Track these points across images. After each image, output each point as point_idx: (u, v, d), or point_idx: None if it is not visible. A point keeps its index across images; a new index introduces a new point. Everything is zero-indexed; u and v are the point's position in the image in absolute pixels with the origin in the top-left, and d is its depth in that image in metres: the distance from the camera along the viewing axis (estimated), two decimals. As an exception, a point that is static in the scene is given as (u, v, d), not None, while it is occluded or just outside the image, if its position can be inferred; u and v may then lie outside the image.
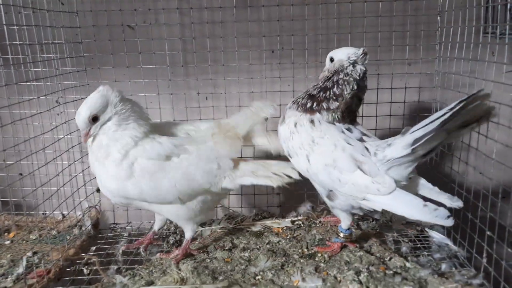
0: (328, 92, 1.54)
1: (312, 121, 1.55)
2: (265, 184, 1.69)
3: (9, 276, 1.56)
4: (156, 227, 1.83)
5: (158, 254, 1.69)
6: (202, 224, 2.03)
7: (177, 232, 1.96)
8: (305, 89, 2.04)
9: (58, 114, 2.01)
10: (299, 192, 2.12)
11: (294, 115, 1.60)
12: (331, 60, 1.59)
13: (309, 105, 1.57)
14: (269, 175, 1.68)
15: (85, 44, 2.08)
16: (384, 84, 2.06)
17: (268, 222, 1.97)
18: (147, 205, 1.62)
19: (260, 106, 1.74)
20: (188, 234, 1.69)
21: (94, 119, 1.50)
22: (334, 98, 1.53)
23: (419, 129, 1.33)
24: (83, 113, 1.48)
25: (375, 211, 1.53)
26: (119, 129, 1.52)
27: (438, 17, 1.97)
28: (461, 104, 1.21)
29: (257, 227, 1.94)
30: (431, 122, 1.29)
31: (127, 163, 1.52)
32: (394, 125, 2.09)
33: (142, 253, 1.77)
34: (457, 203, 1.38)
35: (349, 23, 1.99)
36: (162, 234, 1.98)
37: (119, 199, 1.60)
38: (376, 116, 2.06)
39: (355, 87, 1.51)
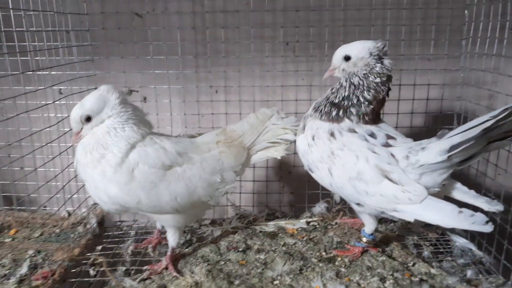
0: (356, 99, 1.42)
1: (332, 134, 1.43)
2: (269, 157, 1.65)
3: (11, 277, 1.47)
4: (159, 225, 1.74)
5: (147, 271, 1.51)
6: (213, 224, 1.94)
7: (186, 231, 1.87)
8: (321, 84, 2.00)
9: (60, 106, 1.91)
10: (313, 191, 2.04)
11: (312, 127, 1.48)
12: (347, 58, 1.43)
13: (334, 113, 1.45)
14: (267, 147, 1.63)
15: (92, 32, 1.97)
16: (405, 80, 1.97)
17: (282, 223, 1.89)
18: (141, 212, 1.51)
19: (267, 113, 1.66)
20: (173, 242, 1.55)
21: (88, 119, 1.39)
22: (366, 103, 1.42)
23: (457, 134, 1.23)
24: (74, 112, 1.39)
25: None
26: (113, 132, 1.39)
27: (466, 11, 1.87)
28: (507, 112, 1.12)
29: (270, 228, 1.85)
30: (471, 128, 1.19)
31: (126, 168, 1.38)
32: (416, 123, 2.01)
33: (150, 253, 1.69)
34: (496, 207, 1.29)
35: (370, 15, 1.90)
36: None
37: (113, 206, 1.44)
38: (398, 113, 1.97)
39: (389, 84, 1.41)
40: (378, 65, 1.40)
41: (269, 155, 1.66)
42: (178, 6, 1.95)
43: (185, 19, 1.98)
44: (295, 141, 1.59)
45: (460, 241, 1.75)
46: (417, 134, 1.96)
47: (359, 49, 1.41)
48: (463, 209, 1.27)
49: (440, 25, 1.92)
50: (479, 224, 1.25)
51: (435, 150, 1.27)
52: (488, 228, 1.25)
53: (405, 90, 1.97)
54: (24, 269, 1.50)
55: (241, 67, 2.00)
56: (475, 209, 1.30)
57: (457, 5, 1.89)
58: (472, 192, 1.35)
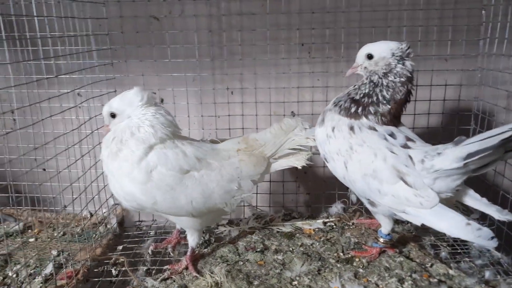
0: (375, 97, 1.43)
1: (352, 128, 1.44)
2: (290, 166, 1.65)
3: (37, 277, 1.52)
4: (178, 226, 1.76)
5: (168, 271, 1.53)
6: (230, 224, 1.97)
7: (204, 231, 1.90)
8: (336, 85, 2.01)
9: (81, 108, 1.93)
10: (330, 192, 2.05)
11: (333, 119, 1.50)
12: (370, 57, 1.45)
13: (353, 109, 1.46)
14: (287, 154, 1.65)
15: (111, 36, 2.00)
16: (422, 81, 1.96)
17: (299, 223, 1.90)
18: (157, 212, 1.55)
19: (292, 124, 1.64)
20: (192, 242, 1.58)
21: (112, 115, 1.48)
22: (384, 102, 1.43)
23: (474, 142, 1.23)
24: (104, 108, 1.50)
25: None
26: (128, 131, 1.43)
27: (483, 11, 1.86)
28: None
29: (287, 228, 1.87)
30: (489, 137, 1.19)
31: (145, 168, 1.40)
32: (432, 124, 2.00)
33: (170, 253, 1.72)
34: (507, 217, 1.29)
35: (386, 16, 1.90)
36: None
37: (128, 203, 1.47)
38: (414, 114, 1.97)
39: (409, 86, 1.42)
40: (399, 65, 1.41)
41: (290, 164, 1.66)
42: (194, 9, 1.97)
43: (202, 22, 2.00)
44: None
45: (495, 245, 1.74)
46: (434, 134, 1.96)
47: (382, 49, 1.43)
48: (472, 222, 1.28)
49: (456, 25, 1.91)
50: (485, 239, 1.26)
51: (451, 156, 1.27)
52: (493, 244, 1.26)
53: (421, 91, 1.96)
54: (49, 269, 1.55)
55: (257, 68, 2.02)
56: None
57: (474, 5, 1.88)
58: (484, 200, 1.35)
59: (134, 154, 1.41)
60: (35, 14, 1.38)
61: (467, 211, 1.47)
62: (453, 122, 2.00)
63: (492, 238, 1.26)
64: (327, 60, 1.99)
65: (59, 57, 1.67)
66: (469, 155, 1.23)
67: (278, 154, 1.65)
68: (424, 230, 1.85)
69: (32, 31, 1.55)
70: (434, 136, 1.92)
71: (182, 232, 1.78)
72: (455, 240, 1.78)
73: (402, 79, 1.41)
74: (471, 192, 1.38)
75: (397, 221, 1.88)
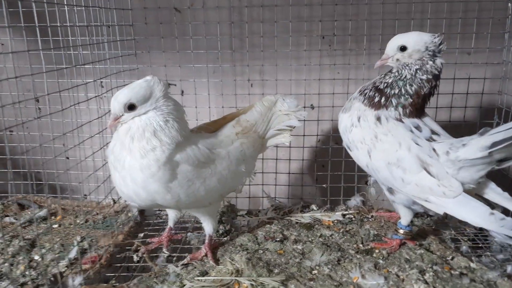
0: (397, 90, 1.43)
1: (378, 118, 1.45)
2: (278, 144, 1.74)
3: (61, 261, 1.55)
4: (171, 223, 1.73)
5: (188, 257, 1.55)
6: (249, 214, 1.99)
7: (224, 221, 1.92)
8: (357, 78, 2.00)
9: (102, 99, 1.95)
10: (348, 185, 2.05)
11: (359, 108, 1.50)
12: (403, 48, 1.42)
13: (376, 99, 1.46)
14: (275, 134, 1.71)
15: (135, 27, 2.03)
16: (445, 74, 1.93)
17: (318, 215, 1.91)
18: (174, 208, 1.56)
19: (272, 99, 1.71)
20: (209, 230, 1.60)
21: (131, 107, 1.33)
22: (407, 96, 1.43)
23: (500, 132, 1.23)
24: (122, 97, 1.33)
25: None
26: (159, 127, 1.35)
27: (509, 4, 1.83)
28: None
29: (306, 219, 1.88)
30: None
31: (170, 167, 1.35)
32: (454, 118, 1.98)
33: (166, 252, 1.66)
34: None
35: (410, 8, 1.88)
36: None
37: (146, 203, 1.40)
38: (436, 107, 1.95)
39: (434, 82, 1.41)
40: (430, 62, 1.40)
41: (278, 142, 1.74)
42: (216, 1, 1.98)
43: (223, 14, 2.01)
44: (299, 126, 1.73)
45: (499, 237, 1.72)
46: (456, 128, 1.93)
47: (417, 41, 1.41)
48: (495, 211, 1.28)
49: (481, 18, 1.88)
50: (508, 229, 1.26)
51: (476, 146, 1.27)
52: None
53: (444, 84, 1.93)
54: (73, 253, 1.58)
55: (278, 61, 2.03)
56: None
57: (500, -2, 1.86)
58: (506, 194, 1.35)
59: (164, 153, 1.33)
60: (58, 2, 1.41)
61: (489, 206, 1.45)
62: (476, 116, 1.98)
63: None
64: (349, 53, 1.99)
65: (82, 46, 1.70)
66: (494, 144, 1.23)
67: (268, 132, 1.71)
68: (444, 224, 1.85)
69: (54, 21, 1.56)
70: (456, 130, 1.87)
71: (172, 229, 1.75)
72: (476, 234, 1.77)
73: (429, 77, 1.41)
74: (493, 185, 1.37)
75: (416, 215, 1.87)
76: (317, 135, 2.10)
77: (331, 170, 2.08)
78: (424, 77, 1.42)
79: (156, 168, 1.33)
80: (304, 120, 1.98)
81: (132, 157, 1.33)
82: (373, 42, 1.94)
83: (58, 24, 1.58)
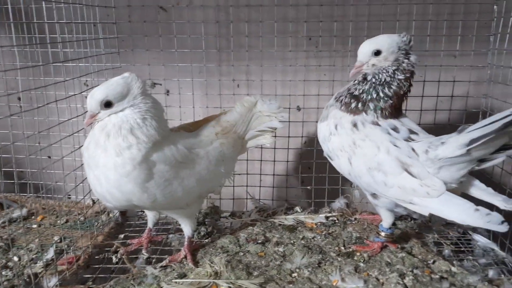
0: (375, 94, 1.43)
1: (355, 124, 1.44)
2: (259, 145, 1.74)
3: (38, 262, 1.52)
4: (150, 224, 1.71)
5: (167, 259, 1.52)
6: (232, 216, 1.97)
7: (207, 223, 1.90)
8: (343, 79, 1.99)
9: (86, 97, 1.93)
10: (333, 187, 2.04)
11: (335, 116, 1.49)
12: (377, 53, 1.41)
13: (353, 105, 1.46)
14: (256, 135, 1.71)
15: (118, 25, 2.01)
16: (430, 77, 1.94)
17: (301, 217, 1.89)
18: (151, 209, 1.53)
19: (252, 100, 1.70)
20: (188, 232, 1.58)
21: (107, 104, 1.30)
22: (386, 99, 1.42)
23: (477, 129, 1.22)
24: (98, 94, 1.30)
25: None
26: (136, 125, 1.31)
27: (495, 7, 1.83)
28: None
29: (289, 221, 1.86)
30: (492, 123, 1.18)
31: (146, 166, 1.32)
32: (439, 120, 1.98)
33: (145, 254, 1.63)
34: None
35: (396, 10, 1.88)
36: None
37: (121, 203, 1.37)
38: (421, 110, 1.94)
39: (411, 79, 1.41)
40: (406, 61, 1.40)
41: (259, 143, 1.74)
42: (202, 0, 1.97)
43: (209, 13, 1.99)
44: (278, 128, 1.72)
45: (482, 241, 1.73)
46: (441, 131, 1.91)
47: (390, 43, 1.40)
48: (480, 207, 1.26)
49: (467, 20, 1.88)
50: (495, 224, 1.24)
51: (454, 144, 1.27)
52: (503, 228, 1.24)
53: (429, 87, 1.94)
54: (50, 254, 1.56)
55: (264, 61, 2.01)
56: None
57: (486, 0, 1.85)
58: (490, 189, 1.34)
59: (140, 152, 1.30)
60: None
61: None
62: (461, 119, 1.98)
63: (503, 222, 1.24)
64: (334, 55, 1.98)
65: (65, 43, 1.67)
66: (472, 141, 1.22)
67: (248, 133, 1.70)
68: (428, 227, 1.84)
69: (39, 18, 1.54)
70: (441, 133, 1.87)
71: (151, 230, 1.73)
72: (459, 238, 1.76)
73: (407, 75, 1.41)
74: (477, 182, 1.36)
75: (400, 218, 1.87)
76: (302, 136, 2.09)
77: (316, 172, 2.07)
78: (402, 76, 1.41)
79: (131, 167, 1.30)
80: (289, 122, 1.99)
81: (106, 155, 1.30)
82: (359, 44, 1.92)
83: (35, 21, 1.55)
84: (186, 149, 1.46)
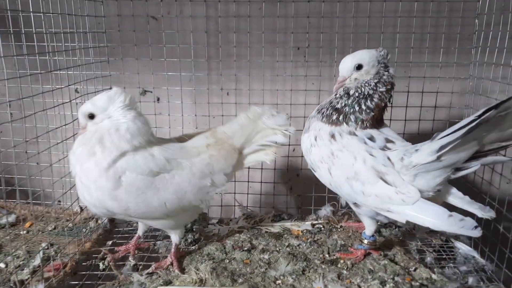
0: (358, 108, 1.46)
1: (332, 135, 1.48)
2: (259, 161, 1.67)
3: (25, 268, 1.53)
4: (140, 232, 1.73)
5: (153, 266, 1.55)
6: (220, 223, 1.99)
7: (194, 229, 1.92)
8: (331, 89, 2.02)
9: (77, 104, 1.95)
10: (320, 195, 2.07)
11: (315, 128, 1.54)
12: (358, 67, 1.45)
13: (334, 117, 1.50)
14: (257, 150, 1.64)
15: (108, 34, 2.03)
16: (413, 87, 1.98)
17: (288, 224, 1.92)
18: (130, 217, 1.53)
19: (258, 112, 1.63)
20: (175, 239, 1.59)
21: (90, 116, 1.41)
22: (368, 111, 1.46)
23: (446, 135, 1.27)
24: (81, 108, 1.43)
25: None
26: (107, 134, 1.38)
27: (476, 20, 1.89)
28: (490, 112, 1.14)
29: (276, 229, 1.89)
30: (458, 129, 1.23)
31: (113, 174, 1.36)
32: (423, 130, 2.02)
33: (132, 261, 1.65)
34: (489, 214, 1.31)
35: (381, 22, 1.92)
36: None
37: (100, 210, 1.43)
38: (405, 120, 1.99)
39: (392, 91, 1.45)
40: (386, 73, 1.44)
41: (259, 159, 1.67)
42: (192, 10, 2.00)
43: (199, 23, 2.02)
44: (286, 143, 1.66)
45: (464, 248, 1.76)
46: (425, 140, 1.97)
47: (370, 57, 1.45)
48: (453, 213, 1.29)
49: (450, 33, 1.93)
50: (468, 229, 1.27)
51: (426, 151, 1.30)
52: (477, 233, 1.27)
53: (413, 97, 1.98)
54: (37, 261, 1.56)
55: (252, 71, 2.04)
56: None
57: (468, 14, 1.90)
58: (467, 198, 1.37)
59: (104, 160, 1.36)
60: (31, 9, 1.41)
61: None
62: (444, 129, 2.00)
63: (476, 227, 1.27)
64: (321, 65, 2.02)
65: (55, 52, 1.69)
66: (442, 147, 1.26)
67: (247, 146, 1.64)
68: (412, 235, 1.87)
69: (29, 26, 1.56)
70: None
71: (140, 237, 1.74)
72: (442, 246, 1.80)
73: (388, 87, 1.45)
74: (454, 190, 1.39)
75: (385, 225, 1.90)
76: (289, 144, 2.12)
77: (303, 180, 2.10)
78: (384, 88, 1.46)
79: (97, 174, 1.36)
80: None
81: (78, 162, 1.39)
82: (345, 54, 1.96)
83: (30, 30, 1.57)
84: (165, 158, 1.45)
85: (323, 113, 1.53)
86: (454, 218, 1.29)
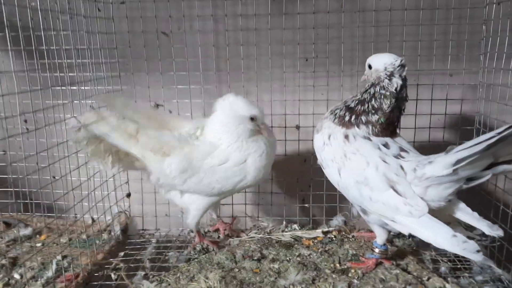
0: (366, 105, 1.47)
1: (346, 136, 1.48)
2: None
3: (39, 279, 1.56)
4: (214, 215, 2.05)
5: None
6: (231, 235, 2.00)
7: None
8: (340, 99, 2.03)
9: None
10: (331, 204, 2.06)
11: (330, 126, 1.54)
12: (369, 67, 1.52)
13: (347, 118, 1.50)
14: None
15: (120, 50, 2.09)
16: (423, 95, 1.97)
17: (298, 233, 1.92)
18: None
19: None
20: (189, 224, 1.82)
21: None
22: (373, 111, 1.46)
23: (464, 149, 1.25)
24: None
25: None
26: None
27: (484, 26, 1.88)
28: (510, 129, 1.14)
29: (286, 238, 1.88)
30: (477, 144, 1.21)
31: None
32: (433, 138, 2.00)
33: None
34: (497, 232, 1.29)
35: (387, 31, 1.93)
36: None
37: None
38: (415, 128, 1.97)
39: (393, 100, 1.44)
40: (386, 80, 1.44)
41: None
42: (201, 25, 2.04)
43: (208, 37, 2.06)
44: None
45: (480, 258, 1.72)
46: (435, 149, 1.94)
47: (378, 61, 1.48)
48: (458, 234, 1.27)
49: (458, 40, 1.92)
50: (470, 252, 1.25)
51: (441, 163, 1.29)
52: (478, 257, 1.25)
53: (423, 105, 1.97)
54: (50, 272, 1.60)
55: (260, 82, 2.06)
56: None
57: (475, 21, 1.89)
58: (475, 214, 1.35)
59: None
60: (43, 27, 1.47)
61: (470, 228, 1.45)
62: (455, 137, 2.00)
63: (478, 251, 1.25)
64: (330, 75, 2.03)
65: (68, 68, 1.75)
66: (458, 161, 1.24)
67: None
68: (425, 245, 1.83)
69: (45, 44, 1.62)
70: (435, 150, 1.89)
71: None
72: (457, 256, 1.76)
73: (386, 93, 1.44)
74: (462, 205, 1.38)
75: (398, 235, 1.87)
76: (299, 154, 2.12)
77: (314, 190, 2.09)
78: (380, 90, 1.45)
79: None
80: (286, 140, 2.04)
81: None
82: (353, 64, 1.98)
83: (44, 47, 1.63)
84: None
85: (336, 114, 1.55)
86: (457, 238, 1.27)
